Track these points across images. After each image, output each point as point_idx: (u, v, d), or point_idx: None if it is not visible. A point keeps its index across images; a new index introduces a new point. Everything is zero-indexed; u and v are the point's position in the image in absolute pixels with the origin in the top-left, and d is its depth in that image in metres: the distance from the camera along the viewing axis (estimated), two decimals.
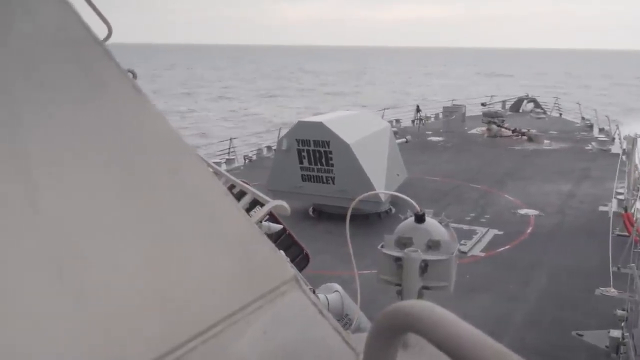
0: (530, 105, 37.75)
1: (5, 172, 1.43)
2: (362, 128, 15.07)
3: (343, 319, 5.64)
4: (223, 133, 41.42)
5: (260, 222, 3.30)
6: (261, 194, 2.95)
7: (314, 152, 14.09)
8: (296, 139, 14.25)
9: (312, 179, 14.38)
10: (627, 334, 8.03)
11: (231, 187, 3.07)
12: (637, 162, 19.38)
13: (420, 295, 3.70)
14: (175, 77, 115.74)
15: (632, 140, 21.84)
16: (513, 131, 27.45)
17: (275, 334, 1.76)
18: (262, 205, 2.68)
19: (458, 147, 25.31)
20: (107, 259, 1.52)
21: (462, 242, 12.27)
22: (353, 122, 15.30)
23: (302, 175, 14.44)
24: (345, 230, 3.67)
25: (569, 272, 11.00)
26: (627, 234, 12.21)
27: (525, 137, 26.80)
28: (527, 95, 40.21)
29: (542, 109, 37.26)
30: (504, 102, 37.81)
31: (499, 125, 27.94)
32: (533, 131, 27.35)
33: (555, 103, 38.06)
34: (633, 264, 9.09)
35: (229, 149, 22.58)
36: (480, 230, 13.63)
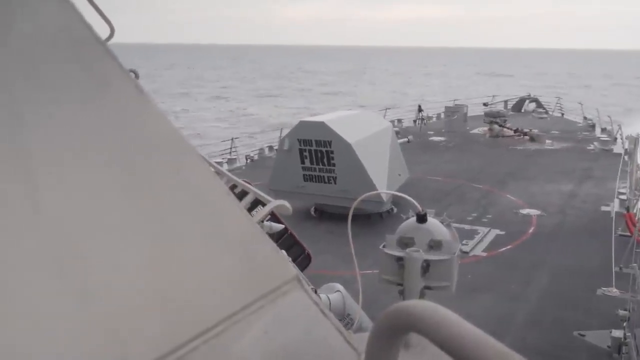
0: (532, 105, 37.69)
1: (7, 172, 1.43)
2: (363, 128, 15.06)
3: (345, 318, 5.63)
4: (217, 134, 41.41)
5: (262, 221, 3.30)
6: (263, 194, 2.95)
7: (316, 151, 14.08)
8: (298, 139, 14.24)
9: (313, 179, 14.37)
10: (629, 334, 8.02)
11: (233, 187, 3.07)
12: (639, 162, 19.35)
13: (422, 295, 3.70)
14: (174, 77, 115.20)
15: (634, 140, 21.80)
16: (515, 131, 27.41)
17: (276, 334, 1.76)
18: (263, 205, 2.68)
19: (460, 147, 25.28)
20: (109, 258, 1.52)
21: (464, 242, 12.25)
22: (355, 122, 15.29)
23: (303, 175, 14.43)
24: (347, 230, 3.67)
25: (571, 272, 10.98)
26: (629, 234, 12.20)
27: (527, 137, 26.75)
28: (529, 95, 40.15)
29: (544, 108, 37.20)
30: (506, 102, 37.74)
31: (501, 125, 27.91)
32: (535, 131, 27.30)
33: (557, 103, 38.01)
34: (635, 264, 9.07)
35: (231, 148, 22.58)
36: (482, 230, 13.61)
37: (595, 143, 25.12)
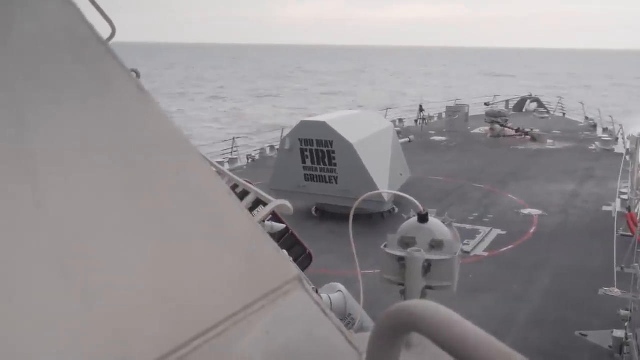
0: (534, 105, 37.68)
1: (10, 172, 1.43)
2: (365, 128, 15.06)
3: (346, 318, 5.64)
4: (209, 135, 41.27)
5: (263, 221, 3.30)
6: (264, 194, 2.95)
7: (317, 151, 14.08)
8: (299, 139, 14.25)
9: (315, 179, 14.37)
10: (631, 334, 8.01)
11: (234, 187, 3.07)
12: None
13: (423, 295, 3.70)
14: (172, 77, 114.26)
15: (635, 140, 21.76)
16: (516, 131, 27.40)
17: (278, 334, 1.76)
18: (265, 204, 2.68)
19: (461, 146, 25.28)
20: (111, 258, 1.52)
21: (465, 241, 12.25)
22: (356, 122, 15.29)
23: (305, 174, 14.43)
24: (348, 230, 3.67)
25: (573, 272, 10.98)
26: (630, 234, 12.19)
27: (528, 137, 26.75)
28: (531, 95, 40.14)
29: (545, 108, 37.20)
30: (507, 101, 37.75)
31: (502, 125, 27.90)
32: (536, 131, 27.30)
33: (558, 103, 37.99)
34: (637, 264, 9.06)
35: (232, 148, 22.60)
36: (484, 230, 13.61)
37: (597, 143, 25.10)
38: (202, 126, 53.32)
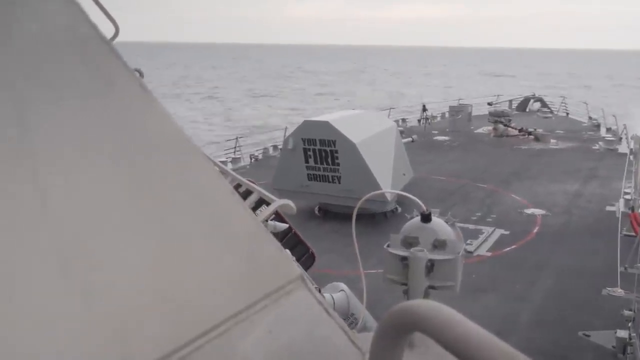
0: (537, 105, 37.60)
1: (12, 172, 1.43)
2: (368, 127, 15.06)
3: (349, 318, 5.64)
4: (196, 135, 41.07)
5: (266, 221, 3.30)
6: (267, 193, 2.95)
7: (320, 151, 14.09)
8: (302, 138, 14.25)
9: (318, 178, 14.38)
10: (634, 334, 7.99)
11: (237, 186, 3.07)
12: None
13: (426, 295, 3.70)
14: (170, 77, 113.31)
15: (639, 140, 21.74)
16: (520, 130, 27.36)
17: (281, 333, 1.76)
18: (268, 204, 2.68)
19: (464, 146, 25.25)
20: (113, 258, 1.52)
21: (468, 241, 12.23)
22: (359, 122, 15.29)
23: (308, 174, 14.43)
24: (351, 230, 3.67)
25: (576, 272, 10.96)
26: (634, 234, 12.16)
27: (531, 137, 26.70)
28: (534, 95, 40.07)
29: (548, 108, 37.11)
30: (510, 101, 37.68)
31: (505, 125, 27.85)
32: (540, 130, 27.25)
33: (562, 102, 37.92)
34: None
35: (235, 148, 22.62)
36: (487, 229, 13.59)
37: (600, 143, 25.05)
38: (192, 127, 52.92)
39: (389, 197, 13.43)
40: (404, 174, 15.65)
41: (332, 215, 14.37)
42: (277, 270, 1.89)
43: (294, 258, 5.22)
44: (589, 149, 24.32)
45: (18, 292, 1.32)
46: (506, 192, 17.27)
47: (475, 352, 1.05)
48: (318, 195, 14.58)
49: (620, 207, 14.82)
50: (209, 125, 53.57)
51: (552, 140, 26.19)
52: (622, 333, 8.12)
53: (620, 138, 26.10)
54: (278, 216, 6.83)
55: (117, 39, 2.46)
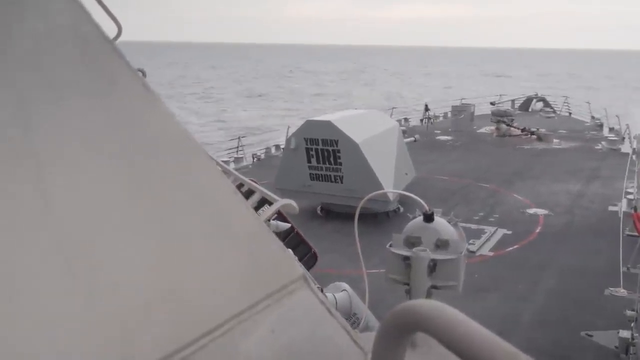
0: (540, 105, 37.54)
1: (16, 171, 1.43)
2: (370, 127, 15.05)
3: (351, 318, 5.64)
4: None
5: (269, 220, 3.30)
6: (269, 193, 2.95)
7: (322, 151, 14.08)
8: (304, 138, 14.24)
9: (320, 178, 14.37)
10: (637, 334, 7.98)
11: (240, 186, 3.07)
12: None
13: (428, 295, 3.69)
14: (167, 76, 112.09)
15: None
16: (522, 130, 27.32)
17: (283, 333, 1.76)
18: (270, 203, 2.68)
19: (467, 146, 25.22)
20: (117, 257, 1.52)
21: (471, 241, 12.23)
22: (362, 121, 15.28)
23: (310, 174, 14.43)
24: (353, 229, 3.67)
25: (578, 272, 10.94)
26: (636, 234, 12.13)
27: (534, 136, 26.66)
28: (537, 94, 40.01)
29: (551, 108, 37.06)
30: (513, 101, 37.62)
31: (508, 125, 27.82)
32: (542, 130, 27.20)
33: (564, 102, 37.86)
34: None
35: (237, 147, 22.63)
36: (489, 229, 13.57)
37: (603, 142, 25.01)
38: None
39: (391, 196, 13.42)
40: (406, 174, 15.64)
41: (334, 214, 14.36)
42: (279, 270, 1.89)
43: (297, 258, 5.23)
44: (591, 149, 24.28)
45: (21, 292, 1.32)
46: (508, 191, 17.25)
47: (477, 352, 1.05)
48: (320, 195, 14.58)
49: (622, 207, 14.80)
50: (201, 126, 53.15)
51: (554, 140, 26.15)
52: (625, 333, 8.11)
53: (623, 138, 26.04)
54: (280, 216, 6.84)
55: (122, 39, 2.46)
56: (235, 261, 1.78)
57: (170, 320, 1.53)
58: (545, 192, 17.20)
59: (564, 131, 28.66)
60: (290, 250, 4.18)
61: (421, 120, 30.90)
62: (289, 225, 7.46)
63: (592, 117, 33.13)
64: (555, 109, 37.02)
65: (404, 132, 19.80)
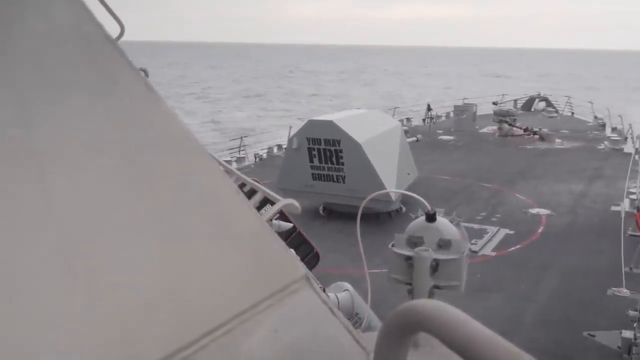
0: (542, 104, 37.51)
1: (18, 171, 1.43)
2: (372, 127, 15.05)
3: (353, 317, 5.63)
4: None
5: (271, 220, 3.30)
6: (272, 193, 2.95)
7: (325, 150, 14.08)
8: (307, 138, 14.25)
9: (322, 178, 14.37)
10: None
11: (242, 186, 3.07)
12: None
13: (431, 295, 3.69)
14: (166, 76, 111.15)
15: None
16: (524, 130, 27.30)
17: (285, 333, 1.76)
18: (272, 203, 2.68)
19: (469, 146, 25.20)
20: (119, 257, 1.52)
21: (473, 241, 12.22)
22: (364, 121, 15.27)
23: (312, 174, 14.43)
24: (355, 229, 3.67)
25: (581, 272, 10.93)
26: (639, 234, 12.12)
27: (536, 136, 26.64)
28: (539, 94, 39.96)
29: (553, 107, 37.02)
30: (515, 100, 37.58)
31: (510, 124, 27.80)
32: (545, 130, 27.19)
33: (567, 102, 37.81)
34: None
35: (240, 147, 22.63)
36: (491, 229, 13.56)
37: (606, 142, 24.98)
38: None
39: (393, 196, 13.42)
40: (409, 174, 15.64)
41: (336, 214, 14.36)
42: (281, 269, 1.89)
43: (299, 257, 5.23)
44: (594, 149, 24.24)
45: (23, 292, 1.33)
46: (511, 191, 17.24)
47: (480, 352, 1.04)
48: (322, 195, 14.58)
49: (625, 207, 14.78)
50: (195, 128, 52.89)
51: (557, 140, 26.13)
52: (628, 333, 8.10)
53: (626, 138, 26.00)
54: (282, 216, 6.84)
55: (124, 38, 2.46)
56: (237, 261, 1.78)
57: (171, 320, 1.53)
58: (548, 192, 17.18)
59: (567, 131, 28.62)
60: (292, 250, 4.18)
61: (423, 120, 30.88)
62: (291, 225, 7.46)
63: (595, 117, 33.09)
64: (558, 108, 36.98)
65: (406, 132, 19.78)
